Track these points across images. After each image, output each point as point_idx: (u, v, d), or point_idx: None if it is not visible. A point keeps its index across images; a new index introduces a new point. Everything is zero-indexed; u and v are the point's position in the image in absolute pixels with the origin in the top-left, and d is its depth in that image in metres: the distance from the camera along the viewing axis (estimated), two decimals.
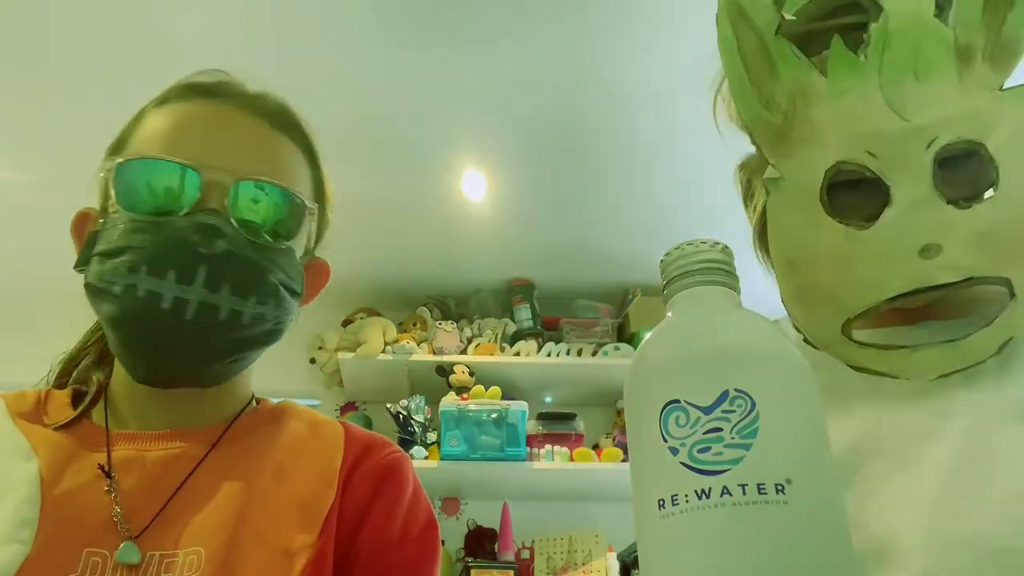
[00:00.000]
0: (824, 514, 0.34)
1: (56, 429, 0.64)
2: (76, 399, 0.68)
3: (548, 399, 2.94)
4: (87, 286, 0.63)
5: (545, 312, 2.93)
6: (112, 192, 0.63)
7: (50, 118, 2.14)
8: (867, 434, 0.57)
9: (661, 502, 0.35)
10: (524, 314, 2.90)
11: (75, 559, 0.56)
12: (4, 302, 2.82)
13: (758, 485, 0.33)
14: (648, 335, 0.40)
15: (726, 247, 0.41)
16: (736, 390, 0.35)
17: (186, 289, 0.60)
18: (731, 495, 0.33)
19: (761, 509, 0.33)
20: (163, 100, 0.69)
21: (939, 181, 0.53)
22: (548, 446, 2.60)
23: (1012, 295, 0.54)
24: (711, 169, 2.46)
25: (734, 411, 0.35)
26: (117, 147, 0.69)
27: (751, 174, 0.66)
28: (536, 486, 2.69)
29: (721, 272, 0.40)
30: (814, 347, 0.58)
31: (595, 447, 2.68)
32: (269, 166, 0.67)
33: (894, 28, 0.54)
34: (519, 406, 2.57)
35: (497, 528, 2.62)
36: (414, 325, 2.86)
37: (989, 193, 0.53)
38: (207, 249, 0.61)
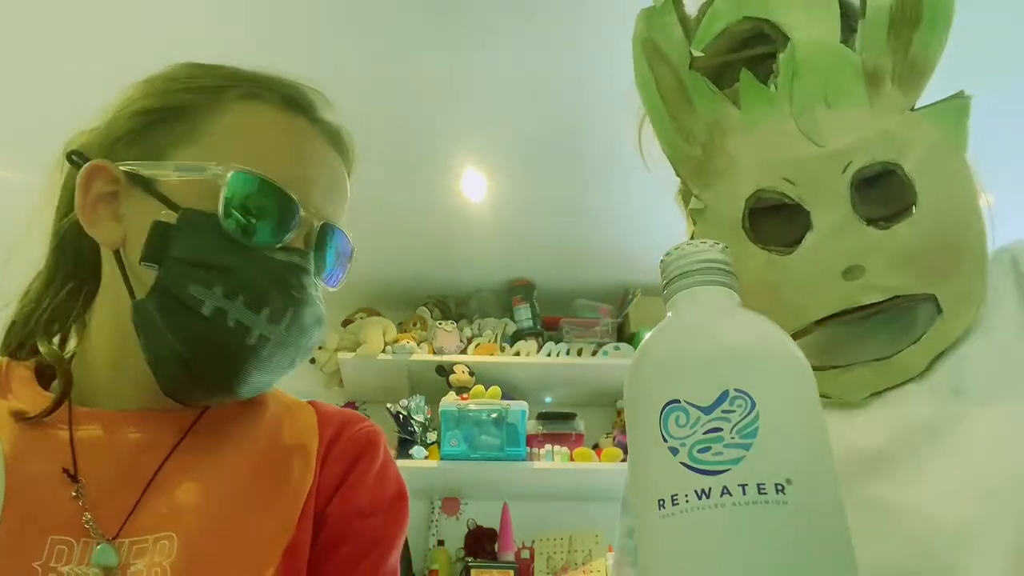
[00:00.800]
0: (824, 514, 0.34)
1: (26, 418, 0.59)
2: (39, 374, 0.63)
3: (548, 399, 2.94)
4: (158, 288, 0.57)
5: (545, 312, 2.93)
6: (220, 196, 0.58)
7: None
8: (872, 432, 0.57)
9: (661, 502, 0.35)
10: (524, 314, 2.90)
11: (40, 546, 0.53)
12: None
13: (758, 485, 0.33)
14: (648, 335, 0.40)
15: (726, 247, 0.41)
16: (736, 390, 0.35)
17: (272, 329, 0.59)
18: (731, 495, 0.33)
19: (761, 509, 0.33)
20: (253, 95, 0.63)
21: (857, 203, 0.54)
22: (548, 446, 2.60)
23: (939, 311, 0.55)
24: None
25: (734, 411, 0.35)
26: (178, 114, 0.62)
27: (685, 199, 0.66)
28: (536, 486, 2.69)
29: (721, 272, 0.40)
30: None
31: (595, 447, 2.68)
32: (343, 210, 0.67)
33: (802, 58, 0.55)
34: (519, 406, 2.57)
35: (497, 528, 2.62)
36: (414, 325, 2.86)
37: (908, 214, 0.54)
38: (298, 293, 0.60)
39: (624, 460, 2.52)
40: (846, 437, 0.55)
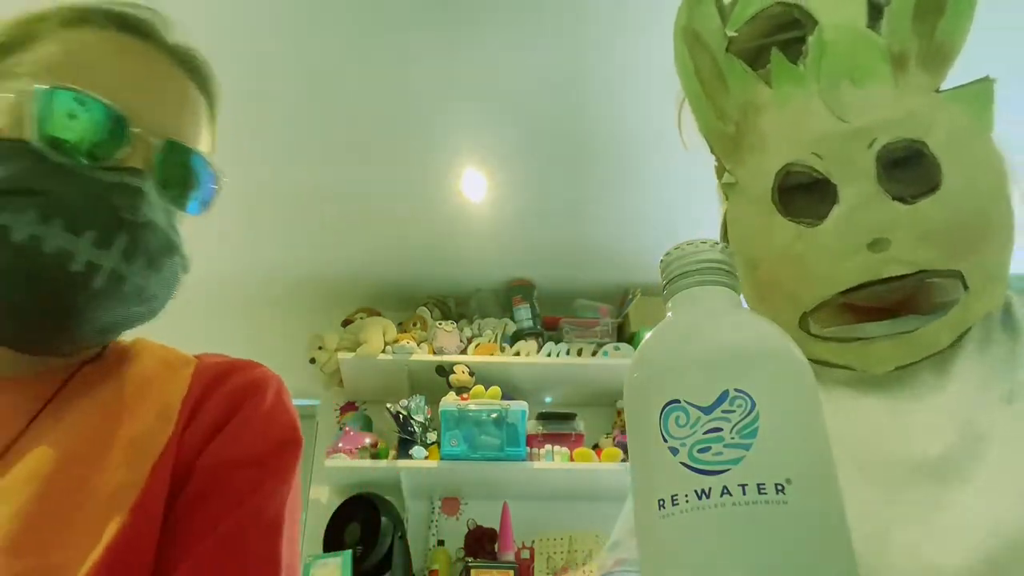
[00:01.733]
0: (824, 514, 0.34)
1: None
2: None
3: (548, 399, 2.93)
4: None
5: (545, 312, 2.93)
6: (28, 118, 0.53)
7: None
8: (849, 427, 0.57)
9: (661, 502, 0.35)
10: (524, 314, 2.90)
11: None
12: None
13: (758, 485, 0.33)
14: (648, 335, 0.40)
15: (726, 247, 0.41)
16: (736, 390, 0.35)
17: (101, 254, 0.53)
18: (731, 495, 0.33)
19: (761, 509, 0.33)
20: (79, 20, 0.59)
21: (883, 179, 0.55)
22: (548, 446, 2.60)
23: (965, 287, 0.56)
24: (712, 169, 2.45)
25: (734, 411, 0.35)
26: (4, 49, 0.58)
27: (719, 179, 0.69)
28: (536, 486, 2.69)
29: (721, 272, 0.40)
30: None
31: (595, 447, 2.68)
32: (194, 131, 0.61)
33: (829, 39, 0.57)
34: (519, 406, 2.57)
35: (497, 528, 2.62)
36: (414, 325, 2.85)
37: (934, 191, 0.55)
38: (131, 215, 0.54)
39: (624, 460, 2.52)
40: (904, 438, 0.55)
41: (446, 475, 2.56)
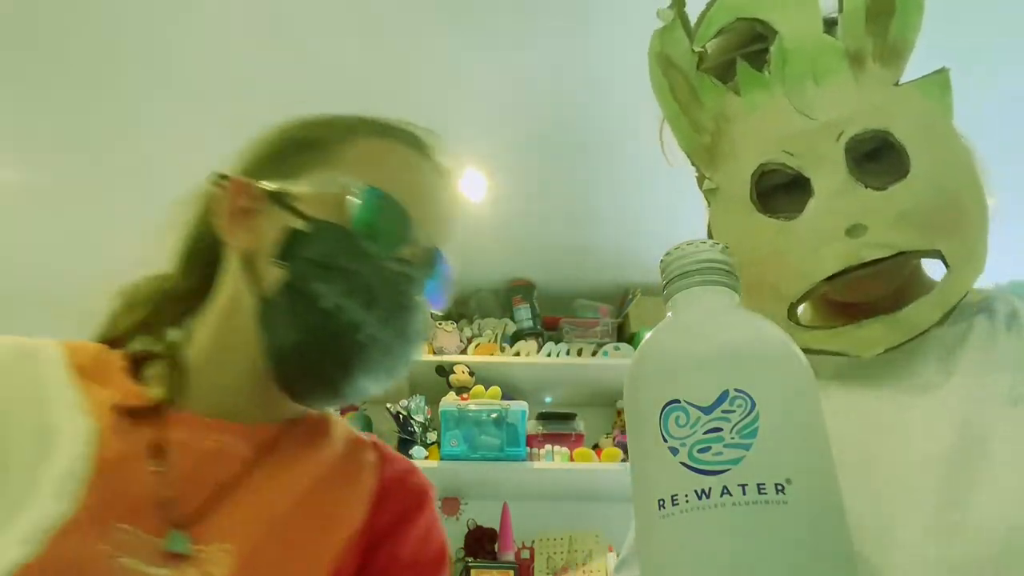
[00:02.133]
0: (824, 514, 0.34)
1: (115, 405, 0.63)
2: (133, 364, 0.67)
3: (548, 399, 2.93)
4: (285, 283, 0.63)
5: (545, 312, 2.92)
6: (347, 208, 0.65)
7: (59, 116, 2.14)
8: (849, 419, 0.58)
9: (661, 502, 0.35)
10: (524, 314, 2.89)
11: (108, 530, 0.55)
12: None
13: (758, 485, 0.33)
14: (648, 335, 0.40)
15: (726, 247, 0.41)
16: (736, 390, 0.35)
17: (382, 330, 0.64)
18: (731, 495, 0.33)
19: (761, 509, 0.33)
20: (382, 132, 0.72)
21: (855, 169, 0.58)
22: (548, 446, 2.60)
23: (947, 266, 0.57)
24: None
25: (734, 411, 0.35)
26: (312, 143, 0.70)
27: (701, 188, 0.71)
28: (536, 486, 2.69)
29: (721, 272, 0.40)
30: None
31: (595, 447, 2.68)
32: (448, 239, 0.75)
33: (789, 45, 0.61)
34: (519, 406, 2.57)
35: (497, 528, 2.62)
36: None
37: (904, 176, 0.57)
38: (406, 301, 0.66)
39: (624, 460, 2.52)
40: (905, 434, 0.56)
41: (446, 475, 2.56)
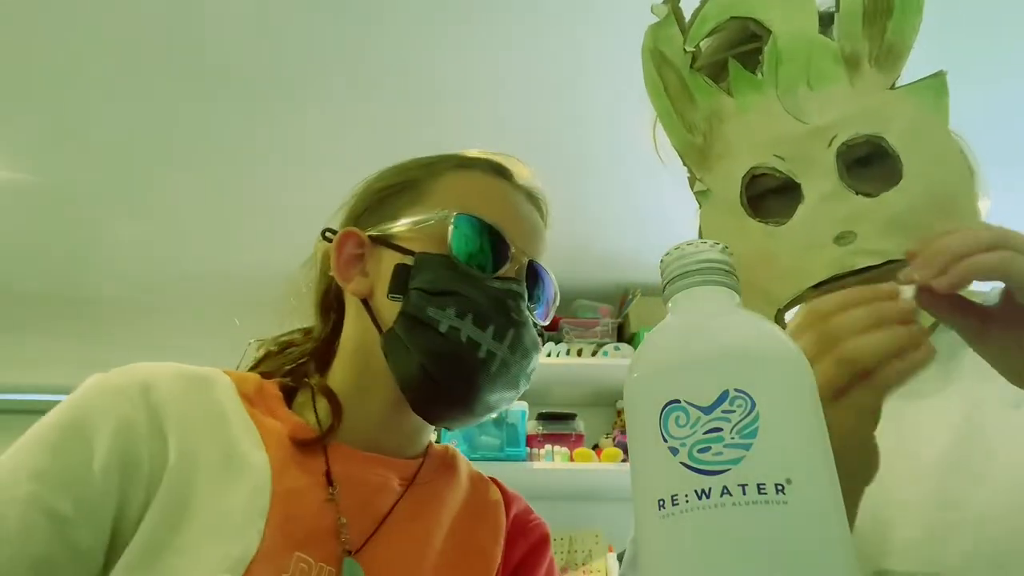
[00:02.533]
0: (824, 514, 0.34)
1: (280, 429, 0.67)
2: (285, 394, 0.72)
3: (548, 399, 2.93)
4: (402, 314, 0.68)
5: None
6: (447, 236, 0.69)
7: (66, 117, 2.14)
8: None
9: (661, 502, 0.35)
10: None
11: (288, 559, 0.58)
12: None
13: (758, 485, 0.33)
14: (648, 335, 0.40)
15: (726, 247, 0.41)
16: (736, 390, 0.35)
17: (497, 346, 0.68)
18: (731, 495, 0.33)
19: (761, 509, 0.33)
20: (466, 165, 0.76)
21: (846, 175, 0.57)
22: (548, 446, 2.60)
23: None
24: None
25: (734, 411, 0.35)
26: (399, 187, 0.75)
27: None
28: (536, 486, 2.68)
29: (721, 272, 0.40)
30: None
31: (595, 447, 2.68)
32: (543, 250, 0.79)
33: (783, 46, 0.61)
34: (519, 406, 2.57)
35: None
36: None
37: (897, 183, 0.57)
38: (516, 315, 0.69)
39: (624, 460, 2.52)
40: (902, 436, 0.56)
41: None
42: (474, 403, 0.69)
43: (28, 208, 2.53)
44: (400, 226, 0.72)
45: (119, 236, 2.68)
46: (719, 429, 0.34)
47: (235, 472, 0.61)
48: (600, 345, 2.80)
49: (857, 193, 0.57)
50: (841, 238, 0.56)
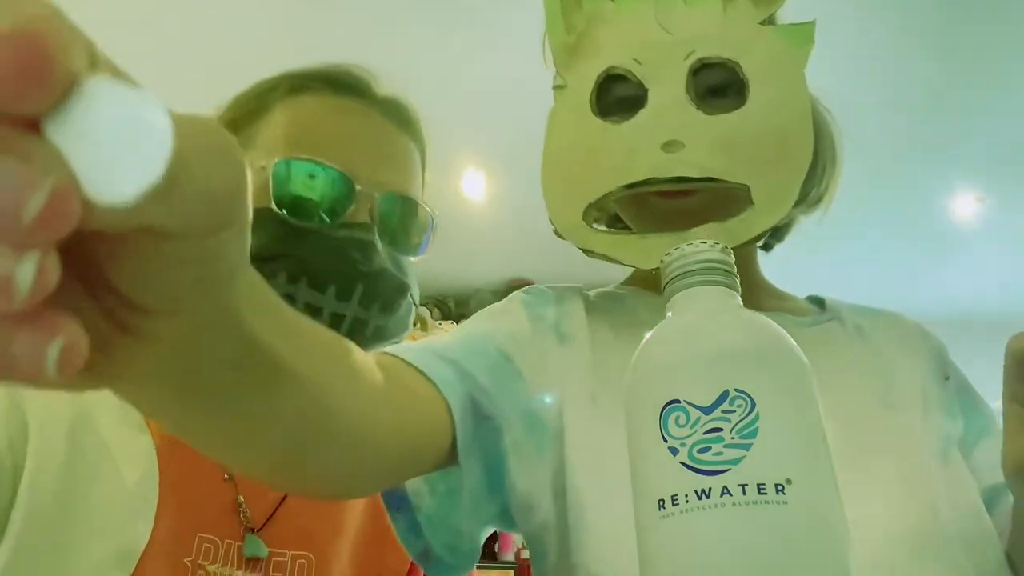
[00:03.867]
0: (824, 514, 0.34)
1: None
2: None
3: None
4: None
5: None
6: (269, 188, 0.60)
7: None
8: None
9: (661, 502, 0.35)
10: None
11: (190, 542, 0.55)
12: None
13: (758, 485, 0.33)
14: (648, 335, 0.40)
15: (726, 247, 0.41)
16: (736, 390, 0.35)
17: (343, 306, 0.60)
18: (731, 495, 0.33)
19: (761, 509, 0.33)
20: (297, 89, 0.66)
21: (692, 90, 0.58)
22: None
23: (751, 203, 0.57)
24: None
25: (734, 411, 0.35)
26: (237, 125, 0.65)
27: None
28: None
29: (721, 272, 0.40)
30: (561, 237, 0.63)
31: None
32: (408, 179, 0.68)
33: None
34: None
35: None
36: (414, 325, 2.86)
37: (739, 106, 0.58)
38: (366, 267, 0.60)
39: None
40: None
41: None
42: None
43: None
44: None
45: None
46: (719, 429, 0.34)
47: (119, 460, 0.56)
48: None
49: (697, 108, 0.57)
50: (669, 145, 0.57)
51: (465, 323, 0.62)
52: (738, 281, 0.41)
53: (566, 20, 0.65)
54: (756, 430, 0.34)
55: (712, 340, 0.38)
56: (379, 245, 0.63)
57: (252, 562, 0.56)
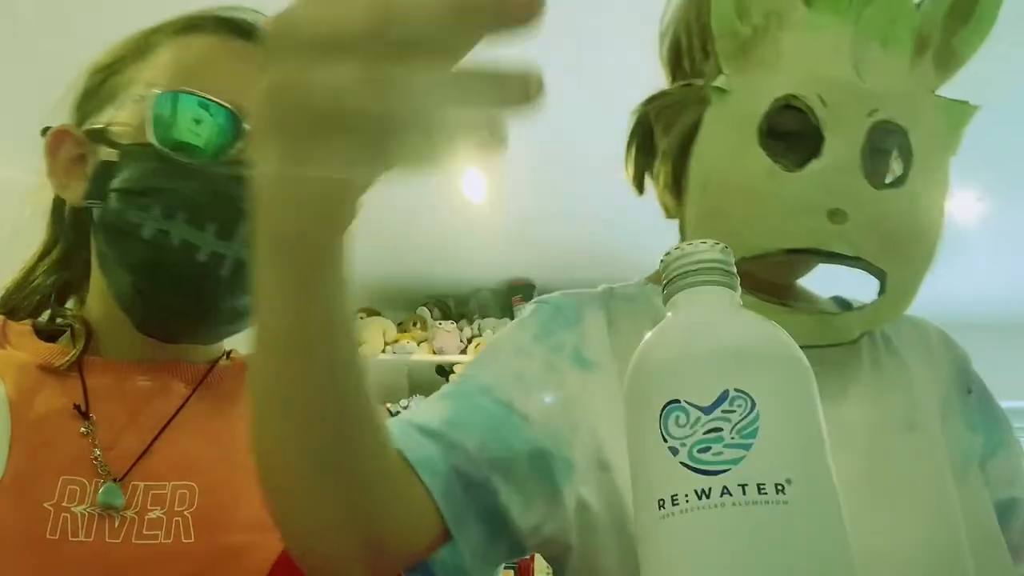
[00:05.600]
0: (824, 514, 0.34)
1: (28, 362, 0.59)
2: (39, 335, 0.63)
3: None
4: (100, 223, 0.59)
5: None
6: (147, 124, 0.58)
7: None
8: None
9: (661, 502, 0.35)
10: None
11: (51, 486, 0.53)
12: None
13: (758, 485, 0.33)
14: (648, 335, 0.40)
15: (726, 247, 0.41)
16: (736, 390, 0.35)
17: (224, 245, 0.58)
18: (731, 495, 0.33)
19: (761, 509, 0.33)
20: (190, 28, 0.64)
21: (867, 150, 0.54)
22: None
23: (883, 291, 0.56)
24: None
25: (734, 411, 0.35)
26: (114, 66, 0.63)
27: (661, 109, 0.62)
28: None
29: (721, 272, 0.40)
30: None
31: None
32: None
33: None
34: None
35: None
36: (414, 325, 2.86)
37: (899, 184, 0.55)
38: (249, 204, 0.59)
39: None
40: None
41: None
42: (209, 313, 0.60)
43: None
44: (109, 114, 0.60)
45: None
46: (719, 429, 0.34)
47: None
48: None
49: (866, 176, 0.54)
50: (835, 214, 0.53)
51: (469, 365, 0.60)
52: (738, 281, 0.41)
53: (739, 1, 0.56)
54: (756, 430, 0.34)
55: (712, 340, 0.38)
56: None
57: (110, 508, 0.54)
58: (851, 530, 0.50)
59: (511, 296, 2.95)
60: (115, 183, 0.58)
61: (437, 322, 2.84)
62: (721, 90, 0.56)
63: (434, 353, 2.74)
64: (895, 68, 0.55)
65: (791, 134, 0.55)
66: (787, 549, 0.32)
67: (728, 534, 0.33)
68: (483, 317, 2.94)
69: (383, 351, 2.69)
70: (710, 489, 0.33)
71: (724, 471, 0.33)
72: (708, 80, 0.57)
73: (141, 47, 0.63)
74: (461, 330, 2.85)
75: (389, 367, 2.72)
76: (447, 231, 2.69)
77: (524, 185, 2.50)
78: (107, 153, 0.59)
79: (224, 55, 0.62)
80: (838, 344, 0.56)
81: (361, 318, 2.84)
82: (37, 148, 0.64)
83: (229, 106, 0.59)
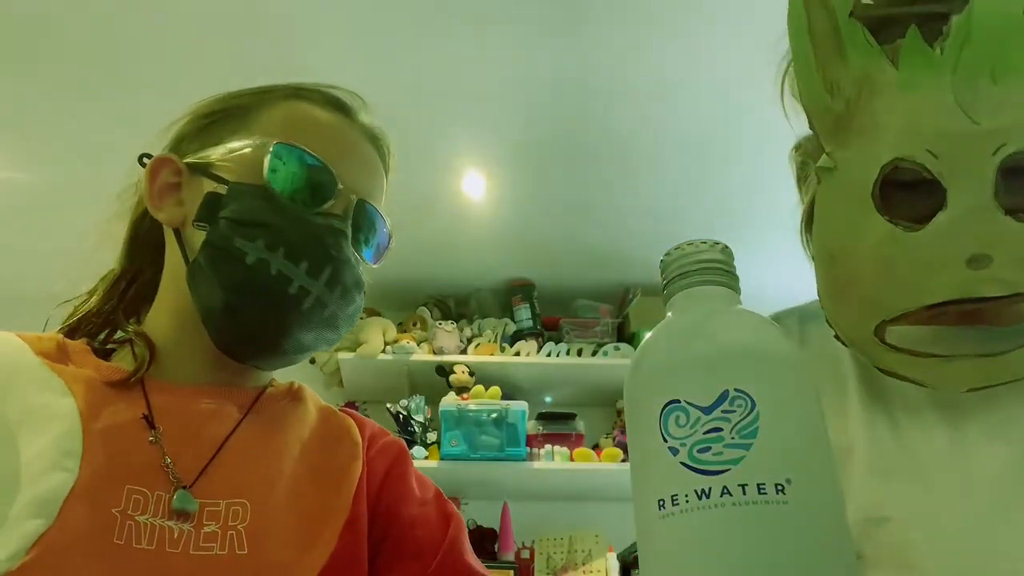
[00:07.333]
0: (824, 514, 0.34)
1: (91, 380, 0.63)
2: (96, 353, 0.68)
3: (548, 399, 2.93)
4: (208, 244, 0.64)
5: (545, 312, 2.92)
6: (264, 166, 0.65)
7: (62, 118, 2.14)
8: (885, 438, 0.56)
9: (661, 502, 0.35)
10: (524, 314, 2.89)
11: (118, 494, 0.57)
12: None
13: (758, 485, 0.33)
14: (648, 335, 0.40)
15: (726, 247, 0.41)
16: (736, 390, 0.35)
17: (312, 282, 0.64)
18: (731, 495, 0.33)
19: (761, 509, 0.33)
20: (297, 95, 0.73)
21: (1001, 190, 0.49)
22: (548, 446, 2.60)
23: None
24: (712, 169, 2.46)
25: (734, 411, 0.35)
26: (219, 115, 0.71)
27: (806, 156, 0.63)
28: (536, 486, 2.68)
29: (721, 272, 0.40)
30: (844, 344, 0.57)
31: (595, 447, 2.68)
32: (379, 195, 0.75)
33: (978, 23, 0.49)
34: (519, 406, 2.56)
35: (497, 528, 2.62)
36: (414, 325, 2.85)
37: None
38: (336, 252, 0.66)
39: (624, 460, 2.52)
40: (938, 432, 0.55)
41: (446, 475, 2.55)
42: (283, 341, 0.66)
43: None
44: (219, 152, 0.68)
45: None
46: (719, 429, 0.34)
47: (40, 420, 0.58)
48: (600, 345, 2.80)
49: (1006, 212, 0.49)
50: (975, 261, 0.49)
51: None
52: (738, 281, 0.41)
53: (824, 72, 0.54)
54: (756, 430, 0.34)
55: (712, 340, 0.38)
56: (349, 239, 0.68)
57: (183, 515, 0.58)
58: (961, 539, 0.50)
59: (511, 296, 2.95)
60: (225, 212, 0.65)
61: (437, 322, 2.83)
62: (827, 170, 0.55)
63: (434, 353, 2.73)
64: (1015, 95, 0.49)
65: (917, 193, 0.52)
66: (787, 549, 0.32)
67: (728, 534, 0.33)
68: (483, 317, 2.94)
69: (383, 351, 2.69)
70: (710, 489, 0.33)
71: (724, 471, 0.34)
72: (815, 157, 0.56)
73: (256, 101, 0.72)
74: (461, 330, 2.84)
75: (389, 367, 2.72)
76: (447, 231, 2.69)
77: (524, 185, 2.50)
78: (212, 185, 0.67)
79: (325, 123, 0.71)
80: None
81: (361, 318, 2.84)
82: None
83: (326, 161, 0.67)
